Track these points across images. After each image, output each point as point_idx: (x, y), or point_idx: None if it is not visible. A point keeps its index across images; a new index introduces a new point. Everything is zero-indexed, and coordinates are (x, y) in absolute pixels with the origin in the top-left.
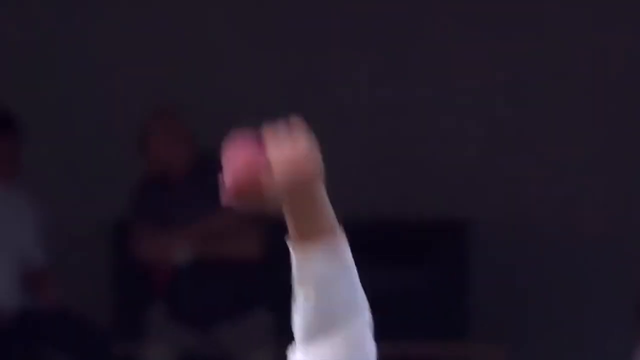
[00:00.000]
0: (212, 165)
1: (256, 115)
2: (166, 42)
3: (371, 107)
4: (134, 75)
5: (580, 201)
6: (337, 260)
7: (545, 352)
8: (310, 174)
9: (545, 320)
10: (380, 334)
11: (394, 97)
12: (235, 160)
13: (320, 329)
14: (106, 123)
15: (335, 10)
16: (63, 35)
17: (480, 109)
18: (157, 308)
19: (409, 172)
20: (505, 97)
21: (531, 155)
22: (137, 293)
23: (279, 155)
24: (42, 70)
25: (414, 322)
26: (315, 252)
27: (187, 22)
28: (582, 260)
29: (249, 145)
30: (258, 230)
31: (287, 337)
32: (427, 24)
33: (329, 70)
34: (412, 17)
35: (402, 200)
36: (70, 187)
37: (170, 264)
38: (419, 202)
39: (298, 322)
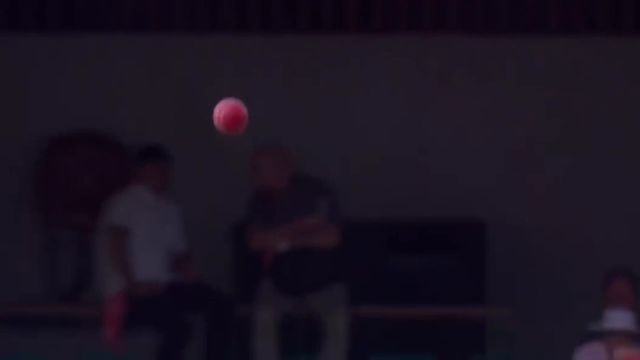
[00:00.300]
0: (302, 184)
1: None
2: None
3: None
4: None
5: (570, 206)
6: None
7: (540, 312)
8: None
9: (540, 291)
10: (425, 300)
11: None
12: (226, 105)
13: None
14: (231, 154)
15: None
16: (197, 85)
17: (500, 133)
18: (265, 282)
19: (445, 186)
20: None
21: (537, 171)
22: (251, 272)
23: None
24: (184, 111)
25: (448, 292)
26: None
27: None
28: (568, 246)
29: (234, 103)
30: (334, 229)
31: (355, 304)
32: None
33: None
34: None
35: (441, 205)
36: (205, 197)
37: (274, 252)
38: (453, 207)
39: None
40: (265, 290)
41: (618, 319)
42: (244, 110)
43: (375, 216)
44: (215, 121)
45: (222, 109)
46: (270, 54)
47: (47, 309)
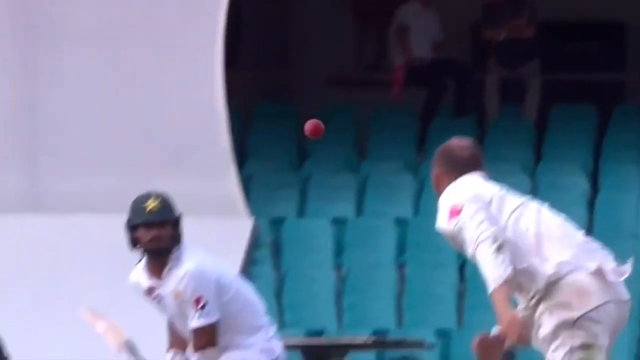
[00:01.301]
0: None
1: None
2: None
3: None
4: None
5: None
6: None
7: None
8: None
9: None
10: (587, 71)
11: None
12: (311, 122)
13: None
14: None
15: None
16: None
17: None
18: (491, 60)
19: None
20: None
21: None
22: (483, 51)
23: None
24: None
25: (603, 65)
26: None
27: None
28: None
29: (314, 122)
30: (532, 26)
31: (544, 72)
32: None
33: None
34: None
35: (597, 9)
36: (456, 8)
37: (497, 40)
38: (605, 13)
39: None
40: (492, 63)
41: None
42: (321, 125)
43: (553, 16)
44: (305, 132)
45: (309, 125)
46: None
47: (357, 75)
